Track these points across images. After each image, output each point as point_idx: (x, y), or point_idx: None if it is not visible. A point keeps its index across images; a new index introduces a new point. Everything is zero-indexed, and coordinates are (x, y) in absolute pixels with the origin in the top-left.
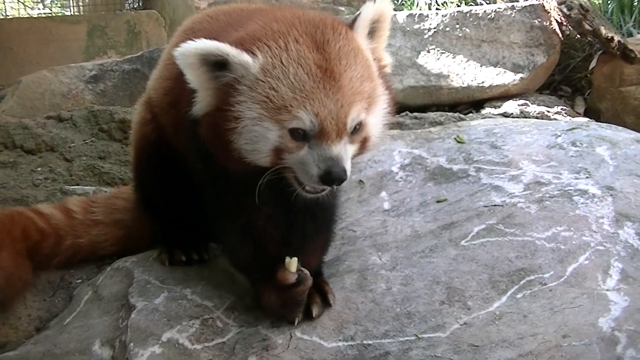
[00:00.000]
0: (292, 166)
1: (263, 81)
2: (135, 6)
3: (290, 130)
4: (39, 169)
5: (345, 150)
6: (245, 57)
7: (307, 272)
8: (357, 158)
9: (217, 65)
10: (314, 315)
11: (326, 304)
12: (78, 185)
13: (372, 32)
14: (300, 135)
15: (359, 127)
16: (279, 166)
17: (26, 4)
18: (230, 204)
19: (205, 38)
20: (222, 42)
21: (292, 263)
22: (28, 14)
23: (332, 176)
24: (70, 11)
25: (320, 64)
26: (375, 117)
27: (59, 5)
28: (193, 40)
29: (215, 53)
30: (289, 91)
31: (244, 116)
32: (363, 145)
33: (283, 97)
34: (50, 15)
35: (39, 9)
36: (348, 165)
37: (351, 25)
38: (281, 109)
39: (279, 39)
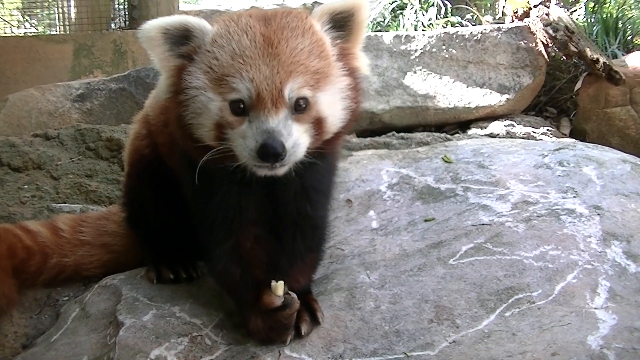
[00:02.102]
0: (234, 143)
1: (210, 51)
2: (121, 26)
3: (230, 104)
4: (26, 186)
5: (285, 125)
6: (204, 23)
7: (294, 295)
8: (344, 177)
9: (178, 39)
10: (303, 333)
11: (315, 321)
12: (65, 203)
13: (344, 27)
14: (240, 110)
15: (304, 104)
16: (223, 145)
17: (12, 22)
18: (218, 226)
19: None
20: None
21: (279, 286)
22: (14, 32)
23: (268, 149)
24: (57, 30)
25: (264, 32)
26: (329, 97)
27: (45, 24)
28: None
29: (177, 25)
30: (229, 59)
31: (191, 85)
32: (319, 128)
33: (223, 64)
34: (36, 34)
35: (25, 27)
36: (289, 142)
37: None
38: (222, 78)
39: (235, 17)
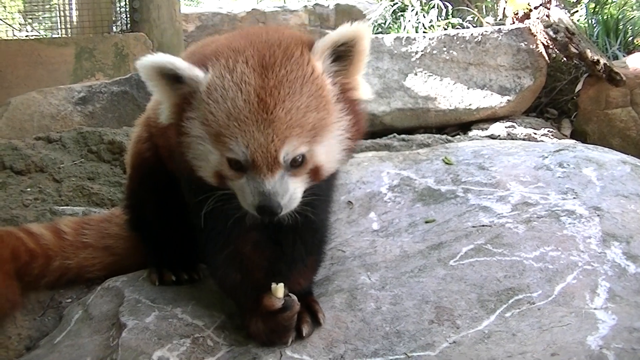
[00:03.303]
0: (235, 192)
1: (206, 102)
2: (123, 29)
3: (227, 159)
4: (29, 189)
5: (281, 184)
6: (196, 72)
7: (294, 297)
8: (345, 179)
9: (174, 78)
10: (304, 334)
11: (316, 323)
12: (67, 205)
13: (345, 56)
14: (237, 166)
15: (301, 160)
16: (224, 189)
17: (14, 26)
18: (217, 233)
19: (199, 58)
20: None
21: (279, 289)
22: (16, 35)
23: (265, 209)
24: (59, 33)
25: (259, 92)
26: (326, 146)
27: (46, 27)
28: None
29: (167, 66)
30: (225, 118)
31: (191, 133)
32: (316, 175)
33: (219, 123)
34: (38, 37)
35: (27, 30)
36: (285, 198)
37: (312, 45)
38: (218, 135)
39: (230, 58)
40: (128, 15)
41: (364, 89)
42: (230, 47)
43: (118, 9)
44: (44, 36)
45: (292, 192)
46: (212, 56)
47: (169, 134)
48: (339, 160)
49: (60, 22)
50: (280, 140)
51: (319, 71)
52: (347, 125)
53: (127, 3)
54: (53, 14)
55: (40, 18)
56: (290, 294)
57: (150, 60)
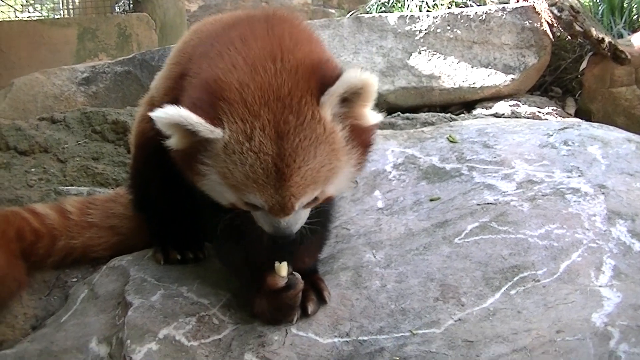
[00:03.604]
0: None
1: (224, 159)
2: (125, 9)
3: (244, 201)
4: (33, 169)
5: (295, 219)
6: (215, 134)
7: (298, 275)
8: None
9: (190, 130)
10: (309, 312)
11: (322, 300)
12: (72, 186)
13: (353, 98)
14: (253, 206)
15: (314, 199)
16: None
17: (16, 7)
18: (221, 211)
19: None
20: (198, 69)
21: (282, 267)
22: (18, 17)
23: (278, 238)
24: (61, 14)
25: (276, 161)
26: (336, 184)
27: (48, 8)
28: (172, 106)
29: (184, 123)
30: (243, 177)
31: (207, 176)
32: (325, 202)
33: (237, 179)
34: (40, 18)
35: (29, 12)
36: (298, 226)
37: (324, 89)
38: (236, 187)
39: (247, 122)
40: None
41: (372, 116)
42: (242, 96)
43: None
44: (46, 17)
45: (303, 219)
46: (227, 109)
47: (177, 159)
48: (349, 185)
49: (62, 3)
50: (296, 198)
51: (330, 127)
52: (356, 159)
53: None
54: None
55: None
56: (294, 272)
57: (168, 115)
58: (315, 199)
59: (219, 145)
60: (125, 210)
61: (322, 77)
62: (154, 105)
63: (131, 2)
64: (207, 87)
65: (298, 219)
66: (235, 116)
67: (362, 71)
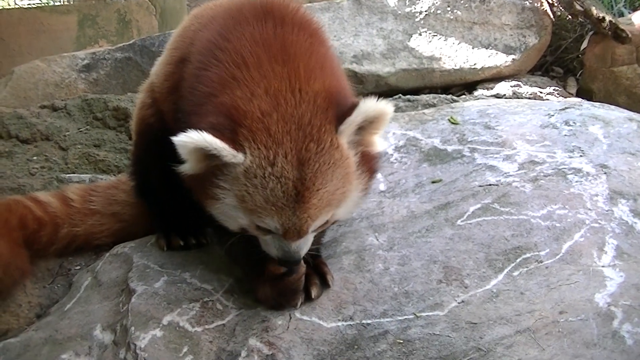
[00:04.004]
0: (258, 237)
1: (244, 183)
2: None
3: (256, 225)
4: (35, 158)
5: (304, 242)
6: (238, 159)
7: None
8: None
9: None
10: (313, 297)
11: (325, 285)
12: (74, 173)
13: (367, 126)
14: (265, 230)
15: (324, 223)
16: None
17: None
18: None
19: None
20: (209, 75)
21: None
22: (17, 4)
23: (287, 262)
24: (60, 1)
25: (296, 185)
26: (345, 207)
27: None
28: (195, 131)
29: (209, 148)
30: (262, 201)
31: (222, 199)
32: (332, 223)
33: (257, 203)
34: (40, 5)
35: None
36: (305, 250)
37: (341, 118)
38: (253, 211)
39: (270, 148)
40: None
41: (380, 143)
42: (265, 125)
43: None
44: (46, 4)
45: (310, 242)
46: (250, 136)
47: (188, 182)
48: (353, 210)
49: None
50: (312, 220)
51: (346, 153)
52: (364, 184)
53: None
54: None
55: None
56: None
57: (192, 140)
58: (326, 222)
59: (239, 170)
60: (127, 197)
61: (339, 106)
62: (154, 92)
63: None
64: (227, 114)
65: (307, 242)
66: (259, 142)
67: (378, 101)
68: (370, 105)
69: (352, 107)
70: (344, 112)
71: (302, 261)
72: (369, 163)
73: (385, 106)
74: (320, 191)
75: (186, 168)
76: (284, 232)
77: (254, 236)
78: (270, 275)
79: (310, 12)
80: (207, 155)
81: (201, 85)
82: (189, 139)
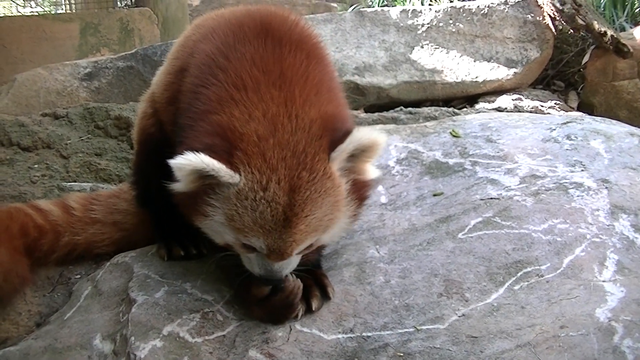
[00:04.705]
0: (241, 256)
1: (235, 203)
2: (127, 4)
3: (242, 243)
4: (36, 165)
5: (288, 263)
6: (232, 178)
7: (288, 277)
8: None
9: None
10: (313, 309)
11: (325, 297)
12: (75, 182)
13: (360, 154)
14: (250, 248)
15: (309, 246)
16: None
17: (18, 2)
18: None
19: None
20: (209, 88)
21: None
22: (20, 12)
23: (269, 281)
24: (63, 9)
25: (286, 210)
26: (332, 233)
27: (51, 3)
28: (191, 153)
29: (207, 169)
30: (251, 222)
31: (211, 216)
32: (318, 249)
33: (245, 224)
34: (42, 13)
35: (31, 6)
36: (289, 270)
37: (334, 145)
38: (240, 230)
39: (264, 174)
40: None
41: (372, 171)
42: (261, 150)
43: None
44: (49, 12)
45: (294, 264)
46: (245, 160)
47: (180, 198)
48: (341, 236)
49: None
50: (297, 244)
51: (337, 180)
52: (352, 211)
53: None
54: None
55: None
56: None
57: (190, 162)
58: (310, 245)
59: (232, 190)
60: (128, 206)
61: (333, 133)
62: (155, 101)
63: None
64: (223, 135)
65: (290, 263)
66: (253, 167)
67: (371, 131)
68: (363, 135)
69: (345, 134)
70: (337, 139)
71: (289, 277)
72: (359, 191)
73: (378, 136)
74: (309, 217)
75: (179, 187)
76: (268, 253)
77: (237, 254)
78: (254, 299)
79: (309, 25)
80: (202, 176)
81: (199, 102)
82: (187, 162)
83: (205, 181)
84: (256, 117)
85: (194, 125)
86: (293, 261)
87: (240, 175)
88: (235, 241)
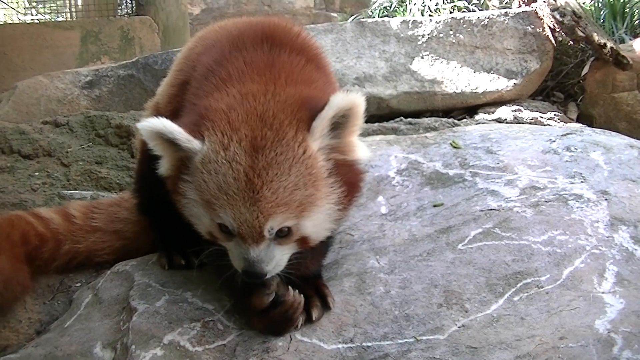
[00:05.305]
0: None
1: (201, 171)
2: (128, 12)
3: (217, 223)
4: (37, 173)
5: (267, 253)
6: (193, 144)
7: (289, 290)
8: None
9: (173, 142)
10: (313, 319)
11: (326, 306)
12: (75, 190)
13: (340, 126)
14: (226, 230)
15: (287, 231)
16: (218, 244)
17: (18, 9)
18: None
19: (196, 121)
20: (199, 96)
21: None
22: (20, 19)
23: (249, 275)
24: (64, 17)
25: (248, 172)
26: (314, 220)
27: (51, 10)
28: (155, 118)
29: (167, 134)
30: (216, 189)
31: (186, 195)
32: (304, 243)
33: (211, 193)
34: (43, 21)
35: (32, 14)
36: (271, 265)
37: (313, 118)
38: (210, 203)
39: (225, 134)
40: None
41: (360, 149)
42: (228, 119)
43: None
44: (49, 20)
45: (278, 259)
46: (210, 125)
47: (168, 185)
48: (329, 229)
49: (65, 5)
50: (264, 217)
51: (311, 150)
52: (339, 198)
53: None
54: None
55: (45, 0)
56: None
57: (151, 125)
58: (289, 231)
59: (198, 159)
60: (129, 214)
61: (312, 108)
62: (158, 111)
63: (134, 5)
64: (197, 111)
65: (271, 256)
66: (216, 130)
67: (348, 93)
68: (340, 98)
69: (324, 105)
70: (316, 111)
71: (290, 291)
72: (346, 174)
73: (356, 96)
74: (274, 182)
75: (162, 167)
76: (239, 230)
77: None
78: (255, 310)
79: (311, 36)
80: (171, 146)
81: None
82: (148, 123)
83: (178, 154)
84: (232, 94)
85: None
86: (274, 254)
87: (204, 142)
88: (211, 223)
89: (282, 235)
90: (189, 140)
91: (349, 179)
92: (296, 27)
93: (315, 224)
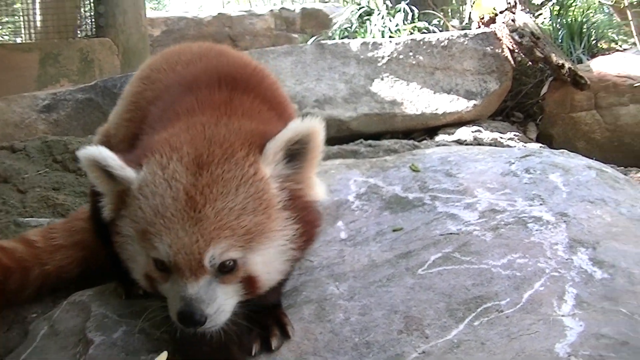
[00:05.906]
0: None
1: (137, 198)
2: (88, 34)
3: (153, 259)
4: None
5: (207, 291)
6: (127, 172)
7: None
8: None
9: (109, 174)
10: (273, 348)
11: (285, 335)
12: (32, 217)
13: (297, 156)
14: (162, 267)
15: (231, 265)
16: (158, 295)
17: None
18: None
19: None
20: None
21: (162, 357)
22: None
23: (186, 317)
24: (22, 38)
25: (188, 189)
26: (263, 255)
27: (10, 31)
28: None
29: (102, 163)
30: (152, 214)
31: (122, 232)
32: (252, 286)
33: (146, 220)
34: (1, 42)
35: None
36: (212, 307)
37: (266, 143)
38: (145, 232)
39: (164, 155)
40: (93, 20)
41: (319, 189)
42: (170, 142)
43: (83, 13)
44: (8, 41)
45: (220, 302)
46: (149, 153)
47: (109, 227)
48: (281, 271)
49: (23, 27)
50: (205, 241)
51: (263, 174)
52: (294, 235)
53: (92, 7)
54: (16, 18)
55: (3, 20)
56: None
57: (88, 152)
58: (235, 266)
59: (135, 187)
60: (85, 223)
61: (268, 134)
62: (109, 136)
63: (94, 26)
64: (140, 146)
65: (213, 296)
66: (156, 153)
67: (306, 119)
68: (298, 122)
69: (280, 131)
70: (272, 137)
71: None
72: (303, 211)
73: (315, 122)
74: (218, 202)
75: (105, 207)
76: (175, 259)
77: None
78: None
79: (276, 83)
80: (109, 178)
81: None
82: (86, 151)
83: (118, 189)
84: (179, 126)
85: None
86: (217, 294)
87: (141, 170)
88: (146, 260)
89: (226, 270)
90: (122, 168)
91: (305, 217)
92: (253, 64)
93: (265, 261)
